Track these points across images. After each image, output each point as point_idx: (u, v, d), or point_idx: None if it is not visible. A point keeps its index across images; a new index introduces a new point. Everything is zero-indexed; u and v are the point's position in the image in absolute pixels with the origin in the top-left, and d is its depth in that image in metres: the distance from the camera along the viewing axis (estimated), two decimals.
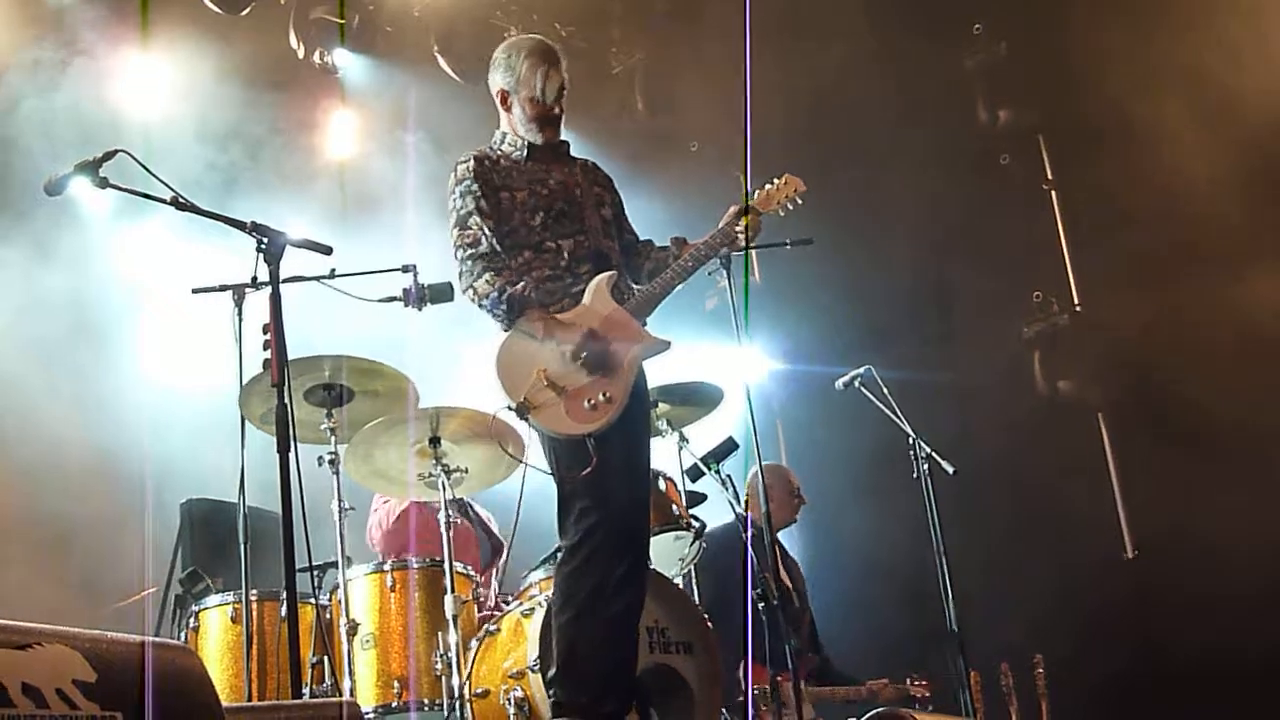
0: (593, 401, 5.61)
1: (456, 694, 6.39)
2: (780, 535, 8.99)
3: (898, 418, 7.78)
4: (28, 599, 7.90)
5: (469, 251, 5.80)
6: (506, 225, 5.88)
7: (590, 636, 5.60)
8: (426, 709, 6.56)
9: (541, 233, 5.90)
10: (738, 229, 6.08)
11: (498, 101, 6.15)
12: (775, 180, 6.27)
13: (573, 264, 5.88)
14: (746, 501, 8.45)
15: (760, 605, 7.06)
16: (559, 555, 5.78)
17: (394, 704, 6.57)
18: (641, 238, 6.34)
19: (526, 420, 5.64)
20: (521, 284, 5.74)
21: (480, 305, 5.77)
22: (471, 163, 5.96)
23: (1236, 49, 10.06)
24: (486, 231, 5.81)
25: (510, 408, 5.61)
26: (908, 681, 8.53)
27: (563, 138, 6.20)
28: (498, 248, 5.81)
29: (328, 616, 6.80)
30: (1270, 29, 10.12)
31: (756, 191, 6.23)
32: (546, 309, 5.77)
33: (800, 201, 6.24)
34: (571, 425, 5.61)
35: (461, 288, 5.83)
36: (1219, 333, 9.87)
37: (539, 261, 5.86)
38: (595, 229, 6.03)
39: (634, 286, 6.05)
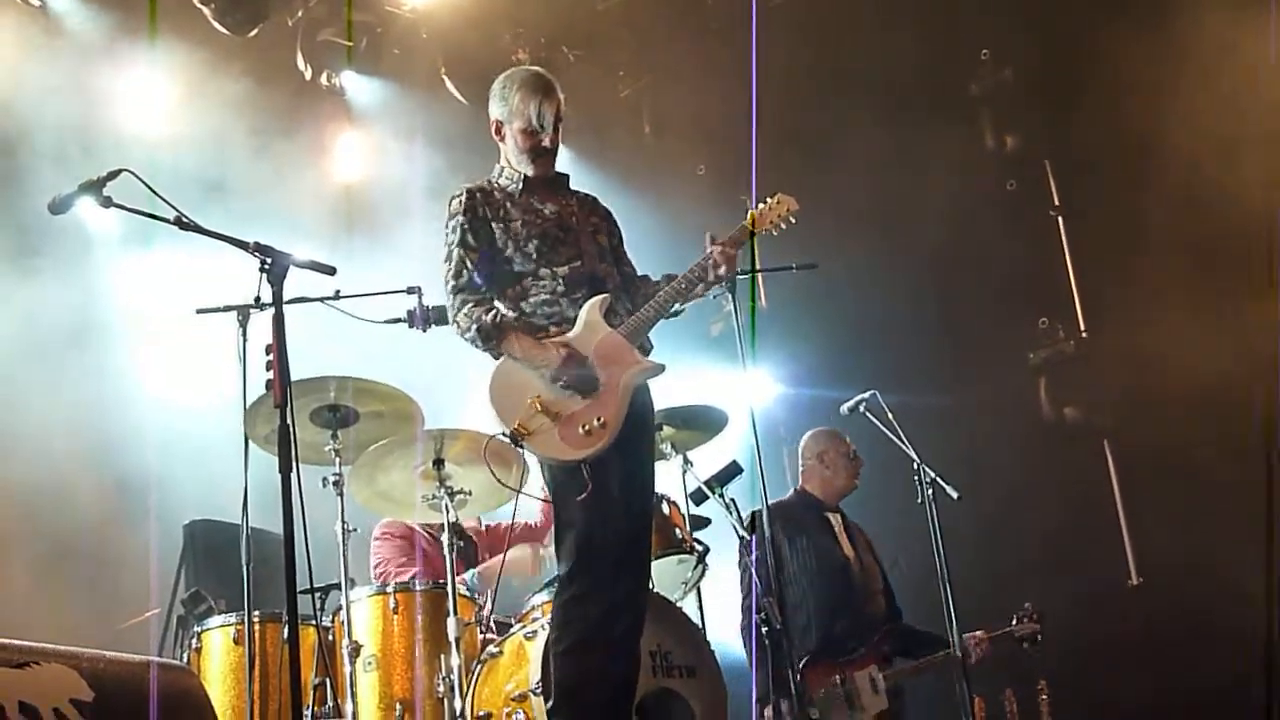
0: (587, 427, 5.59)
1: (458, 716, 6.37)
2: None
3: (902, 443, 7.77)
4: (32, 619, 7.89)
5: (452, 284, 5.84)
6: (502, 254, 5.89)
7: (588, 667, 5.58)
8: None
9: (536, 259, 5.90)
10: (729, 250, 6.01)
11: (494, 132, 6.15)
12: (768, 199, 6.24)
13: (568, 289, 5.87)
14: (802, 476, 8.47)
15: (764, 630, 7.06)
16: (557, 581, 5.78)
17: None
18: (648, 258, 6.33)
19: (521, 448, 5.64)
20: (493, 313, 5.74)
21: (463, 336, 5.79)
22: (464, 196, 5.97)
23: (1248, 74, 10.05)
24: (469, 264, 5.83)
25: (504, 435, 5.61)
26: (1013, 620, 8.39)
27: (561, 170, 6.19)
28: (478, 280, 5.82)
29: (330, 638, 6.78)
30: None
31: (749, 211, 6.20)
32: (534, 331, 5.78)
33: (794, 220, 6.19)
34: (566, 451, 5.60)
35: (450, 318, 5.86)
36: (1225, 360, 9.84)
37: (535, 288, 5.87)
38: (591, 254, 6.03)
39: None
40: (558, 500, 5.72)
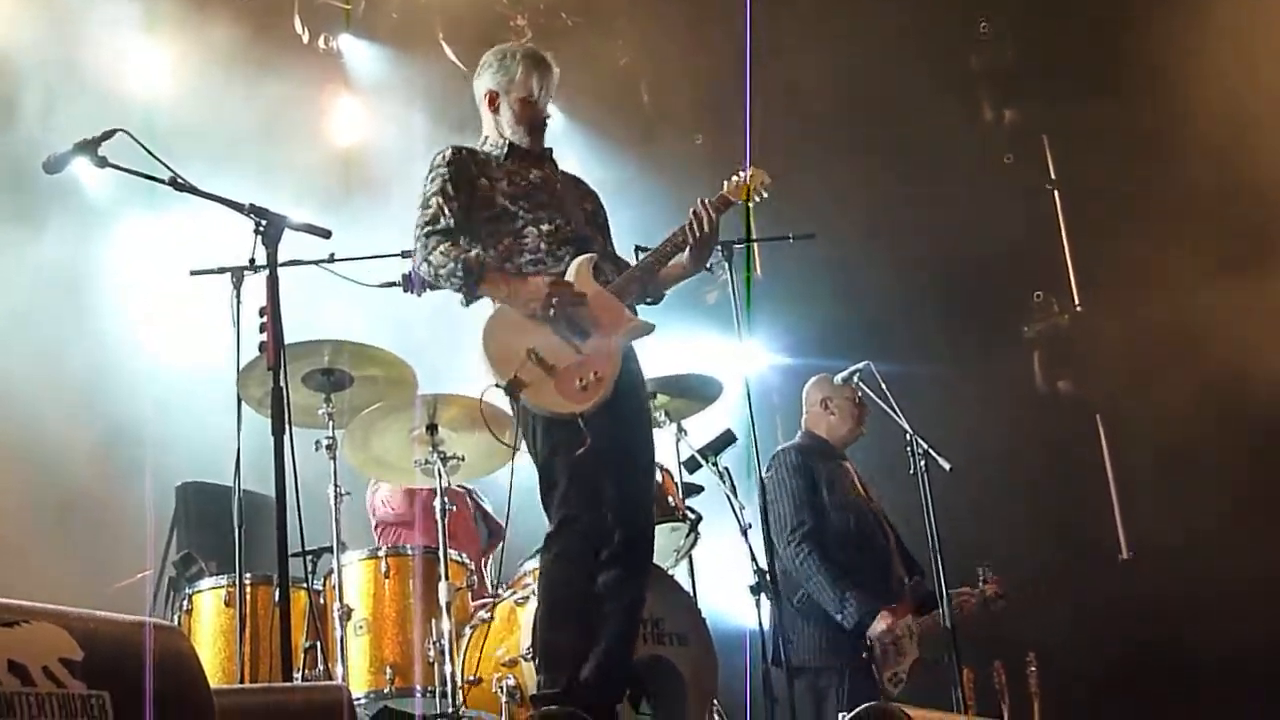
0: (583, 381, 5.53)
1: (449, 681, 6.39)
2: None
3: (895, 414, 7.75)
4: (21, 579, 7.89)
5: (426, 228, 5.71)
6: (487, 211, 5.83)
7: (562, 631, 5.55)
8: (419, 696, 6.56)
9: (523, 217, 5.85)
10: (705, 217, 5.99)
11: (484, 104, 6.11)
12: (741, 172, 6.20)
13: (553, 247, 5.82)
14: (807, 422, 8.42)
15: (757, 597, 7.07)
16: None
17: (386, 690, 6.58)
18: (644, 226, 6.33)
19: (517, 399, 5.54)
20: (476, 250, 5.68)
21: (436, 278, 5.65)
22: (449, 152, 5.91)
23: (1247, 51, 10.05)
24: (446, 211, 5.73)
25: (499, 386, 5.53)
26: (981, 582, 8.30)
27: (556, 137, 6.20)
28: (453, 225, 5.73)
29: (321, 602, 6.79)
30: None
31: (725, 182, 6.15)
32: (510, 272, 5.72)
33: (766, 195, 6.15)
34: (563, 404, 5.52)
35: (416, 263, 5.75)
36: (1220, 335, 9.86)
37: (518, 246, 5.80)
38: (577, 218, 6.01)
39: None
40: (544, 458, 5.66)
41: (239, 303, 6.49)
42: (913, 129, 11.19)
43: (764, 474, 7.67)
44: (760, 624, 7.00)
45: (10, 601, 3.15)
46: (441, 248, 5.64)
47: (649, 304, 6.09)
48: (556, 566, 5.60)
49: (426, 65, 11.16)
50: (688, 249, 5.94)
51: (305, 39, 10.84)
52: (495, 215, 5.84)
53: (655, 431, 7.26)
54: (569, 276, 5.73)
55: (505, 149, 6.03)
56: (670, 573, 7.13)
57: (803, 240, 7.82)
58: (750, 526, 7.32)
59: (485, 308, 5.72)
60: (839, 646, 7.78)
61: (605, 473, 5.60)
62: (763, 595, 7.01)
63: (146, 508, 8.51)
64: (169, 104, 9.70)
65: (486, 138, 6.12)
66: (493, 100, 6.09)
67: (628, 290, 5.85)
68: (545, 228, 5.86)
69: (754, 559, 7.17)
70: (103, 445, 9.02)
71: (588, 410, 5.52)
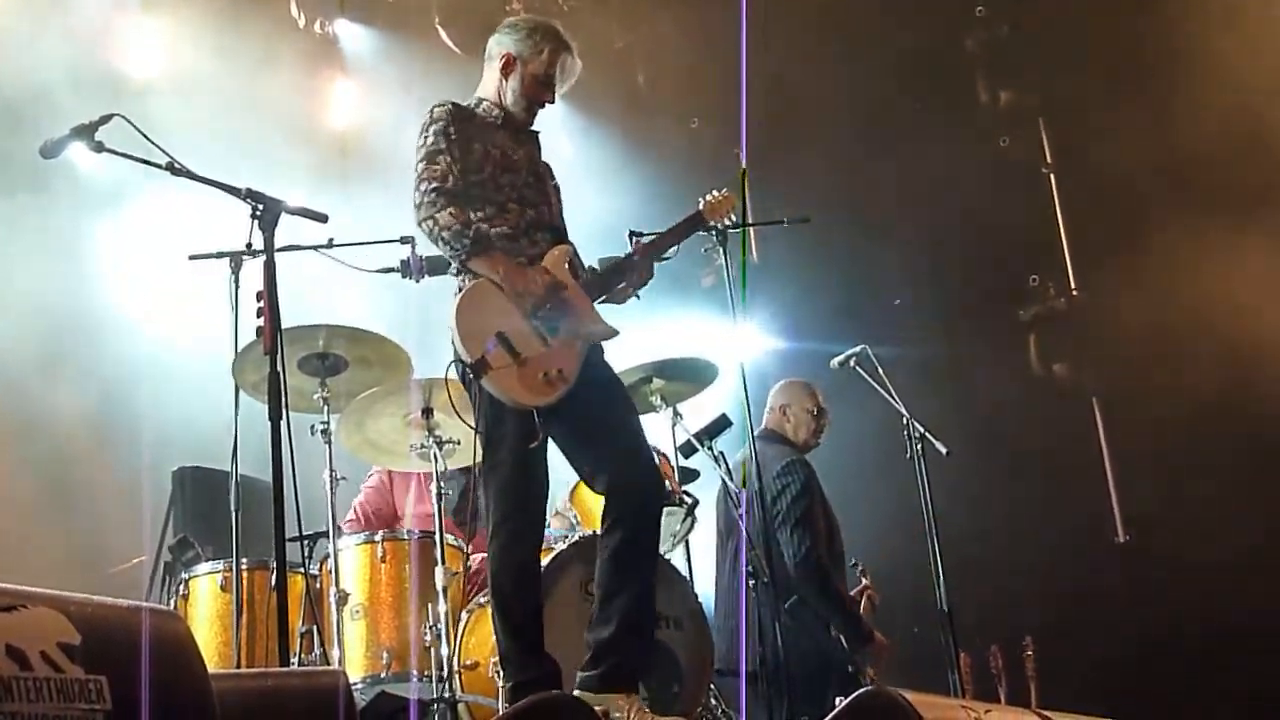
0: (548, 375, 5.49)
1: (446, 665, 6.39)
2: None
3: (892, 397, 7.76)
4: (20, 565, 7.89)
5: (435, 185, 5.61)
6: (475, 176, 5.74)
7: (513, 626, 5.60)
8: (415, 680, 6.56)
9: (508, 191, 5.80)
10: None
11: (497, 64, 6.03)
12: (715, 193, 6.38)
13: (530, 229, 5.79)
14: (766, 420, 8.42)
15: (750, 583, 7.06)
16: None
17: (382, 674, 6.58)
18: (639, 209, 6.35)
19: (479, 381, 5.52)
20: (488, 225, 5.65)
21: (439, 238, 5.57)
22: (450, 107, 5.83)
23: (1245, 34, 10.05)
24: (455, 171, 5.66)
25: (465, 363, 5.51)
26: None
27: (546, 120, 6.17)
28: (460, 188, 5.65)
29: (317, 586, 6.79)
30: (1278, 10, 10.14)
31: (702, 200, 6.32)
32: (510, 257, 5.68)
33: (734, 218, 6.45)
34: (523, 395, 5.49)
35: (419, 218, 5.61)
36: (1215, 319, 9.87)
37: (499, 219, 5.72)
38: (554, 207, 6.01)
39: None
40: (493, 441, 5.66)
41: (236, 287, 6.48)
42: (908, 111, 11.19)
43: (774, 477, 7.70)
44: (758, 614, 7.00)
45: (8, 586, 3.15)
46: (452, 209, 5.55)
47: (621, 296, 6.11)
48: (500, 564, 5.61)
49: (423, 50, 11.13)
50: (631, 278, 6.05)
51: (301, 23, 10.81)
52: (481, 181, 5.76)
53: (651, 416, 7.33)
54: (548, 263, 5.73)
55: (500, 118, 5.99)
56: (667, 557, 7.12)
57: (798, 224, 7.82)
58: (744, 514, 7.32)
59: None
60: (831, 648, 7.79)
61: (590, 443, 5.67)
62: (758, 580, 7.01)
63: (143, 492, 8.51)
64: (163, 88, 9.67)
65: (482, 99, 6.05)
66: (508, 64, 6.01)
67: (597, 290, 5.87)
68: (528, 209, 5.83)
69: (752, 545, 7.17)
70: (99, 430, 9.02)
71: (546, 404, 5.51)
